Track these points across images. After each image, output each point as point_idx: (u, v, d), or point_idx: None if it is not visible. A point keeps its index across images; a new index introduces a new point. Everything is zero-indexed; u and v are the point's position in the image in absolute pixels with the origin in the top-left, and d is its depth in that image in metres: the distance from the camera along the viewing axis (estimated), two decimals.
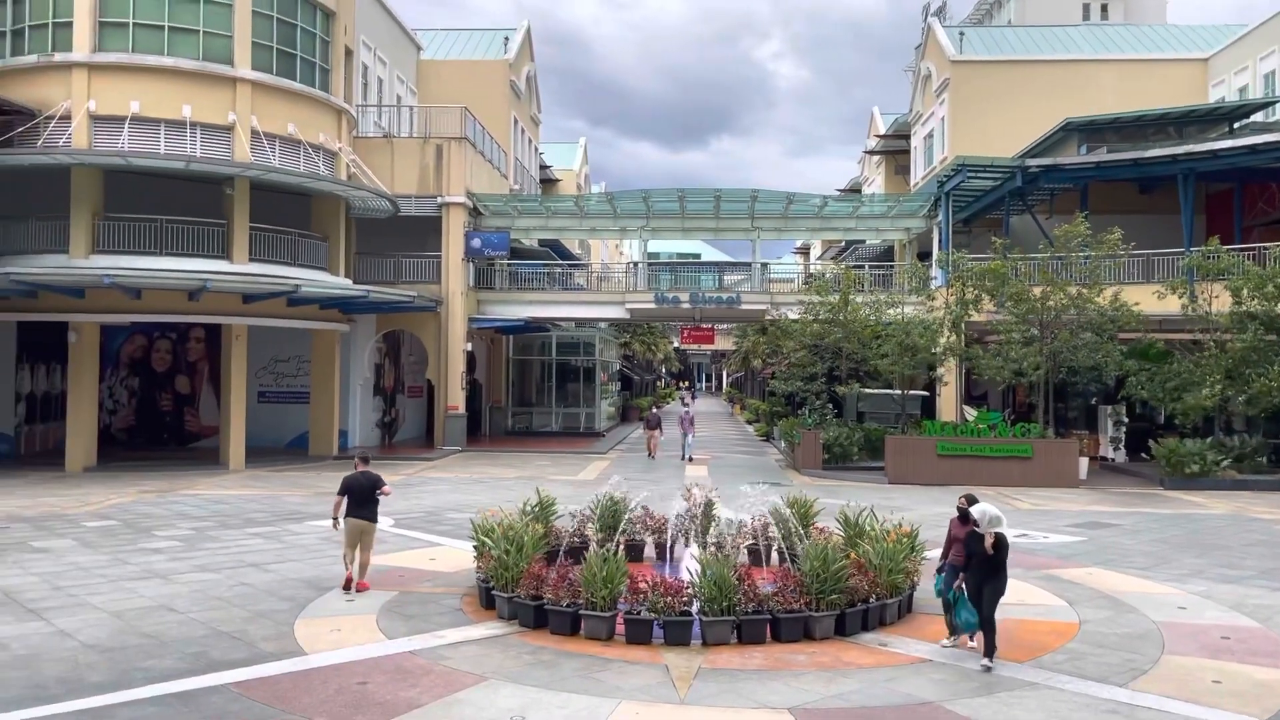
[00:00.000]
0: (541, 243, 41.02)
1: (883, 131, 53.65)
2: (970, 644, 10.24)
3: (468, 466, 28.80)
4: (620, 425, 49.44)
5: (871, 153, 57.16)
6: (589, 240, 52.33)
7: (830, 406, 31.46)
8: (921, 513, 18.73)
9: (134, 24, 25.41)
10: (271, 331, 29.85)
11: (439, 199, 33.28)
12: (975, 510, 9.95)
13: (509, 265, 36.64)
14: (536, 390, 43.73)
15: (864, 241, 43.94)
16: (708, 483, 13.83)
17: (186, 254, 25.62)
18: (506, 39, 45.75)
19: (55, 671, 9.18)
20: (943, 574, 10.54)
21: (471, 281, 34.70)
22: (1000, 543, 9.69)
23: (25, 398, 29.49)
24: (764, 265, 37.49)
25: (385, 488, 12.76)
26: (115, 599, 11.96)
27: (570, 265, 41.53)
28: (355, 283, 30.64)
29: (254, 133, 26.34)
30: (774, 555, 13.21)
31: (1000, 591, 9.81)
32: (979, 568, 9.81)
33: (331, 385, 30.51)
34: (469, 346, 34.25)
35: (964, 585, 9.99)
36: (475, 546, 12.30)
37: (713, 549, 11.84)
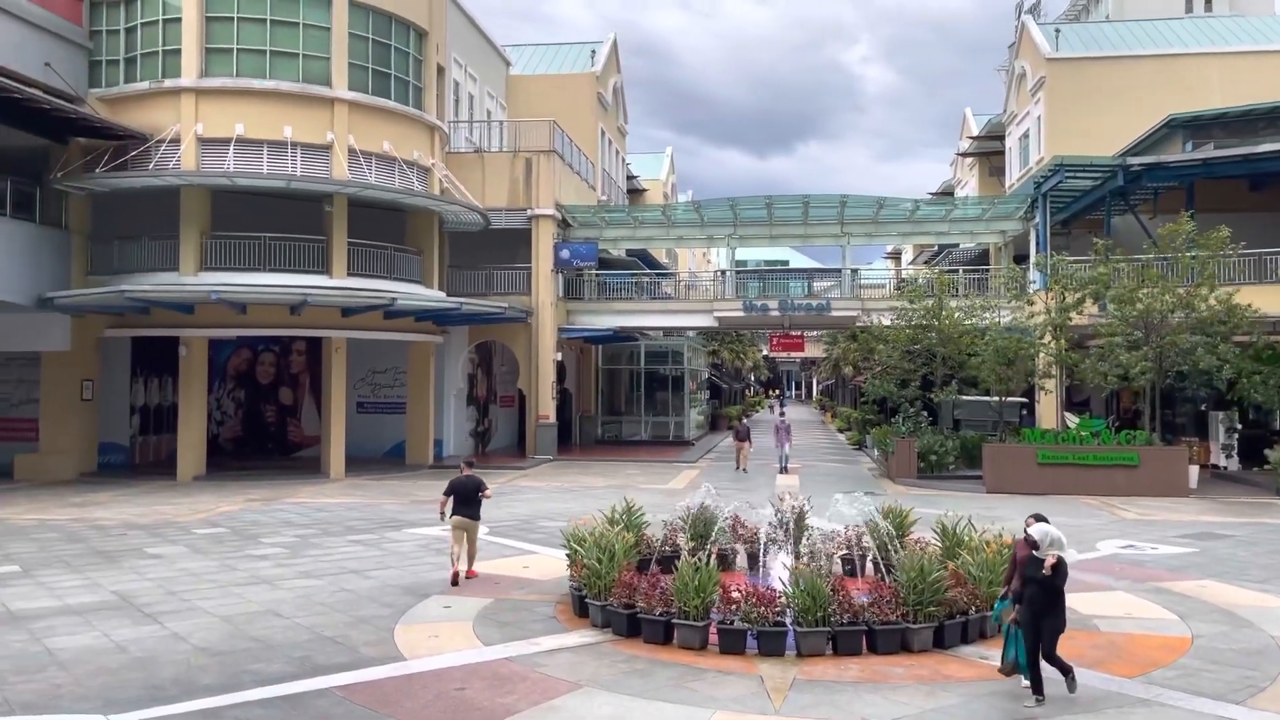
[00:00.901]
0: (629, 252, 41.27)
1: (975, 133, 52.52)
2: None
3: (559, 475, 29.07)
4: (709, 434, 49.32)
5: (964, 155, 55.99)
6: (676, 249, 52.39)
7: (925, 414, 30.86)
8: (1022, 522, 18.17)
9: (238, 49, 26.43)
10: (369, 344, 30.64)
11: (528, 211, 33.76)
12: (1035, 530, 8.96)
13: (597, 275, 36.95)
14: (625, 399, 43.94)
15: (957, 245, 43.01)
16: (799, 492, 13.68)
17: (288, 269, 26.48)
18: (593, 52, 46.20)
19: (170, 673, 9.57)
20: (1005, 600, 9.46)
21: (561, 292, 35.08)
22: (1060, 567, 8.69)
23: (139, 410, 30.85)
24: (854, 271, 37.04)
25: (487, 490, 13.99)
26: (225, 604, 12.41)
27: (658, 274, 41.69)
28: (448, 295, 31.26)
29: (351, 151, 27.12)
30: (869, 566, 13.00)
31: (1061, 625, 8.78)
32: (1036, 597, 8.72)
33: (427, 396, 31.16)
34: (559, 356, 34.62)
35: (1018, 618, 8.94)
36: (568, 555, 12.42)
37: (806, 559, 11.72)
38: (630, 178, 55.59)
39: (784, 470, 30.08)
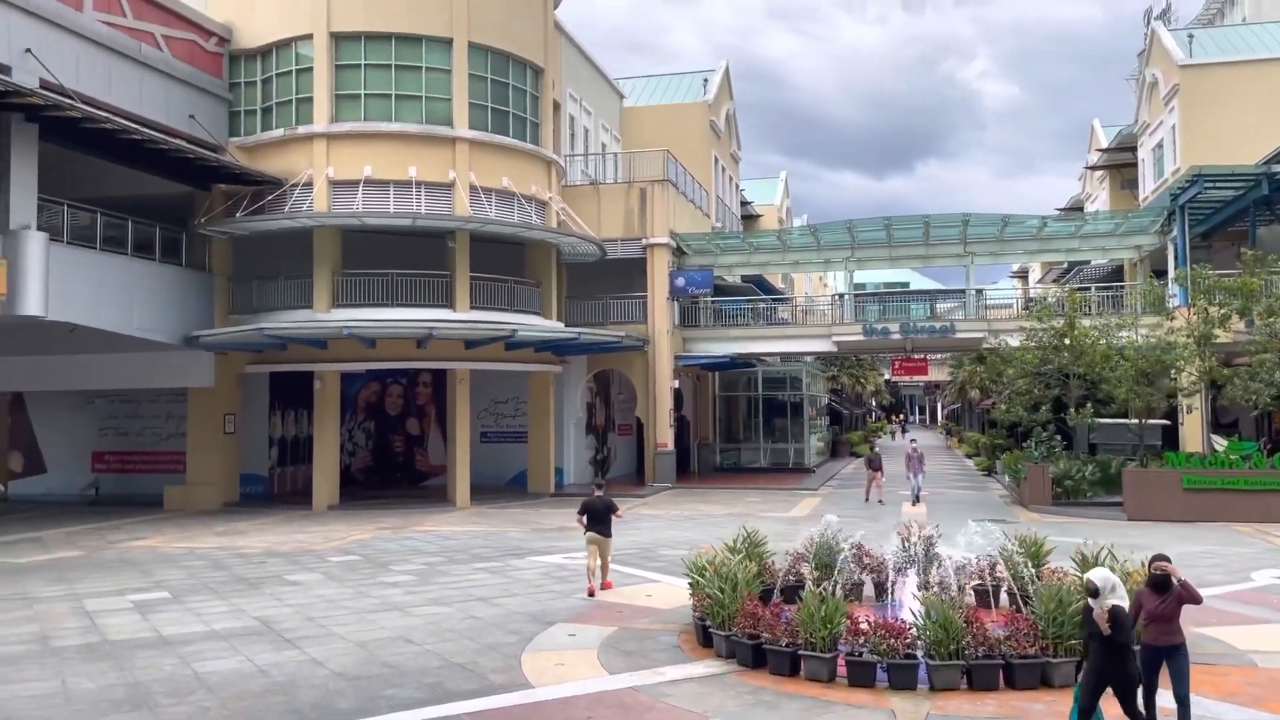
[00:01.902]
0: (744, 278, 41.12)
1: (1105, 145, 50.54)
2: None
3: (678, 503, 29.02)
4: (830, 460, 48.52)
5: (1093, 168, 53.92)
6: (792, 274, 51.98)
7: (1058, 438, 29.63)
8: (1168, 552, 17.18)
9: (365, 95, 27.57)
10: (492, 374, 31.32)
11: (643, 241, 34.04)
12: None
13: (713, 302, 36.93)
14: (744, 426, 43.63)
15: (1088, 262, 41.36)
16: (927, 520, 13.28)
17: (414, 304, 27.34)
18: (705, 80, 46.47)
19: (310, 697, 9.88)
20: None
21: (677, 320, 35.19)
22: (1118, 620, 7.74)
23: (277, 442, 32.24)
24: (979, 291, 35.98)
25: (618, 510, 15.34)
26: (359, 630, 12.77)
27: (774, 300, 41.40)
28: (566, 325, 31.73)
29: (472, 188, 27.90)
30: (1003, 597, 12.51)
31: (1133, 678, 7.82)
32: (1098, 651, 7.86)
33: (547, 425, 31.62)
34: (676, 384, 34.67)
35: (1083, 678, 8.09)
36: (690, 584, 12.34)
37: (936, 589, 11.35)
38: (744, 204, 55.51)
39: (916, 501, 28.15)
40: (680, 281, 34.57)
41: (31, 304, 21.44)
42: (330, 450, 28.63)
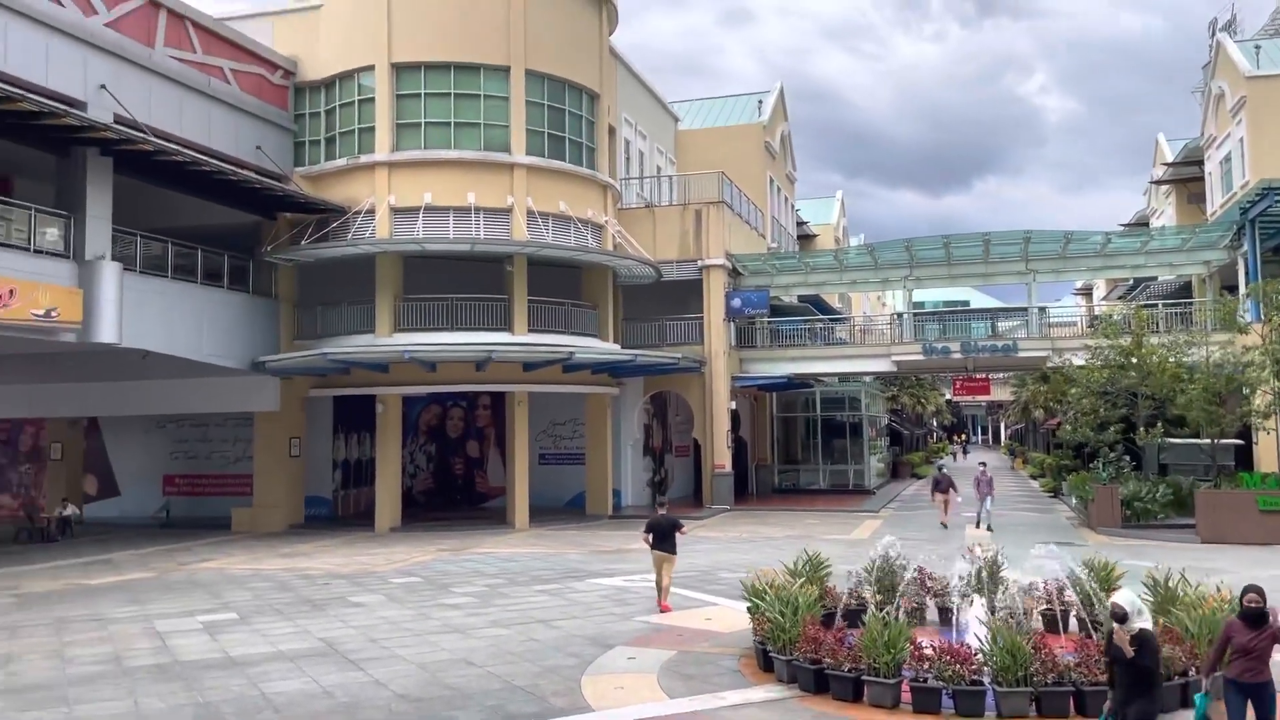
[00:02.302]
0: (801, 299, 40.93)
1: (1170, 159, 49.46)
2: None
3: (736, 525, 28.85)
4: (891, 482, 47.87)
5: (1158, 182, 52.78)
6: (849, 294, 51.59)
7: (1127, 458, 28.90)
8: (1244, 576, 16.62)
9: (425, 123, 28.09)
10: (549, 397, 31.52)
11: (699, 262, 34.08)
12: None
13: (769, 323, 36.78)
14: (802, 447, 43.29)
15: (1154, 278, 40.45)
16: (992, 542, 13.03)
17: (473, 328, 27.69)
18: (760, 102, 46.51)
19: (373, 718, 9.99)
20: (1208, 694, 8.05)
21: (733, 341, 35.11)
22: (1145, 643, 7.44)
23: (341, 464, 32.77)
24: (1041, 309, 35.36)
25: (683, 528, 15.85)
26: (421, 651, 12.89)
27: (831, 319, 41.13)
28: (623, 347, 31.85)
29: (529, 212, 28.22)
30: (1072, 622, 12.23)
31: (1153, 709, 7.52)
32: (1123, 678, 7.56)
33: (604, 446, 31.71)
34: (733, 405, 34.55)
35: (1110, 705, 7.75)
36: (749, 608, 12.26)
37: (1003, 614, 11.13)
38: (800, 224, 55.30)
39: (988, 528, 25.70)
40: (736, 302, 34.52)
41: (106, 331, 22.15)
42: (392, 473, 29.01)
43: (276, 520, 29.24)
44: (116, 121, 22.55)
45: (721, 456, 33.76)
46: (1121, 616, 7.61)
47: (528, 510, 28.90)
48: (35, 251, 21.31)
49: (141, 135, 22.40)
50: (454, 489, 35.44)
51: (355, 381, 28.62)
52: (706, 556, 21.92)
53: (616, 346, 31.43)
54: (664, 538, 15.37)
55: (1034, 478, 49.81)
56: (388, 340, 27.19)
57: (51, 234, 21.86)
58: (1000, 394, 70.17)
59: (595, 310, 30.99)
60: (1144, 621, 7.67)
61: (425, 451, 35.63)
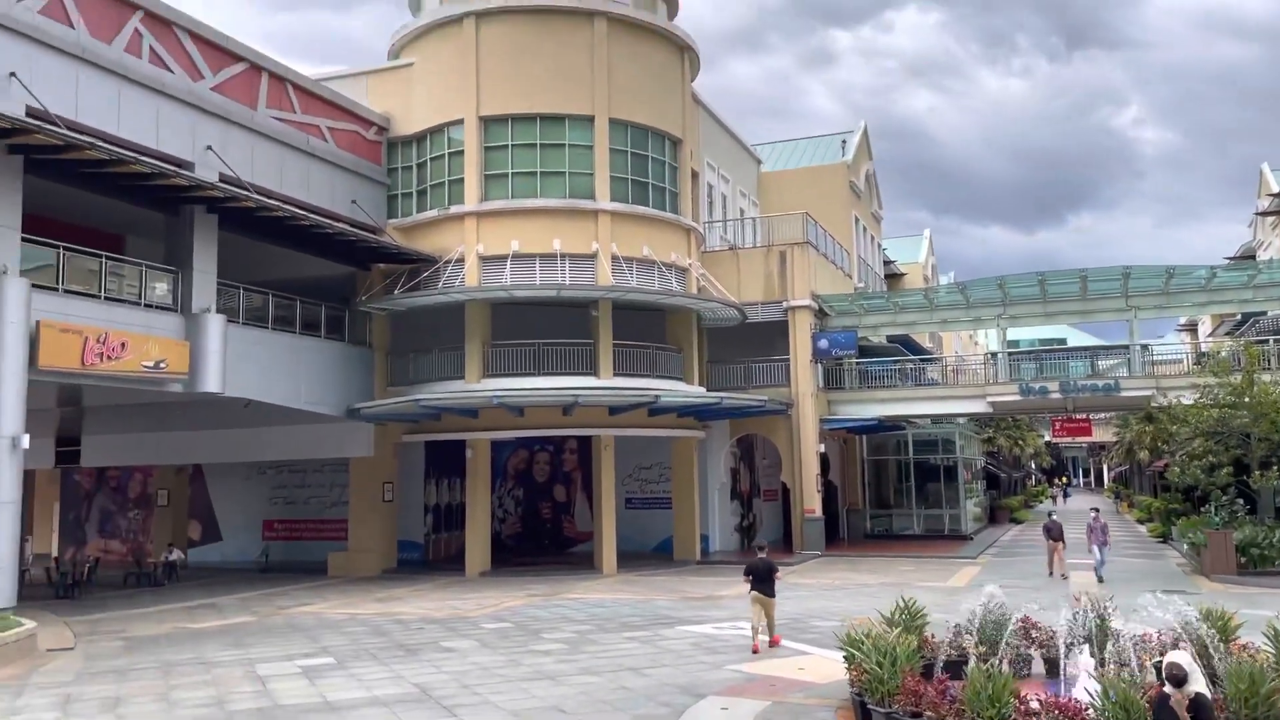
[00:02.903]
0: (890, 339, 40.31)
1: (1276, 189, 47.58)
2: None
3: (828, 571, 28.27)
4: (988, 527, 46.45)
5: (1265, 214, 50.78)
6: (940, 333, 50.61)
7: (1240, 501, 27.52)
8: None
9: (512, 174, 28.70)
10: (635, 440, 31.52)
11: (784, 304, 33.86)
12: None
13: (858, 364, 36.26)
14: (894, 491, 42.35)
15: (1264, 313, 38.72)
16: (1099, 591, 12.48)
17: (559, 372, 27.93)
18: (844, 142, 46.36)
19: None
20: None
21: (820, 382, 34.68)
22: (1201, 708, 6.94)
23: (432, 509, 33.24)
24: (1144, 347, 34.12)
25: (778, 572, 16.20)
26: (513, 698, 12.86)
27: (922, 360, 40.31)
28: (708, 390, 31.73)
29: (613, 257, 28.48)
30: None
31: None
32: None
33: (691, 491, 31.51)
34: (822, 448, 34.04)
35: None
36: (845, 657, 11.93)
37: (1113, 666, 10.61)
38: (887, 263, 54.68)
39: (1098, 578, 24.95)
40: (823, 344, 34.14)
41: (211, 381, 23.00)
42: (482, 517, 29.29)
43: (371, 565, 29.74)
44: (221, 180, 23.58)
45: (811, 501, 33.23)
46: (1180, 679, 7.11)
47: (615, 555, 28.82)
48: (146, 306, 22.32)
49: (245, 193, 23.37)
50: (542, 534, 35.60)
51: (446, 427, 29.09)
52: (798, 604, 21.50)
53: (702, 390, 31.33)
54: (763, 580, 15.75)
55: (1141, 522, 47.83)
56: (477, 386, 27.61)
57: (160, 288, 22.87)
58: (1102, 435, 67.77)
59: (680, 353, 31.00)
60: (1199, 685, 7.16)
61: (513, 496, 35.93)
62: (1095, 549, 25.97)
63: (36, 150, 19.33)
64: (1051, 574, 26.27)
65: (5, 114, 18.18)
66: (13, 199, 19.50)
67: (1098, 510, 28.93)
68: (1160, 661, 7.29)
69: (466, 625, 19.24)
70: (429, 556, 32.58)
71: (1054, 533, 26.98)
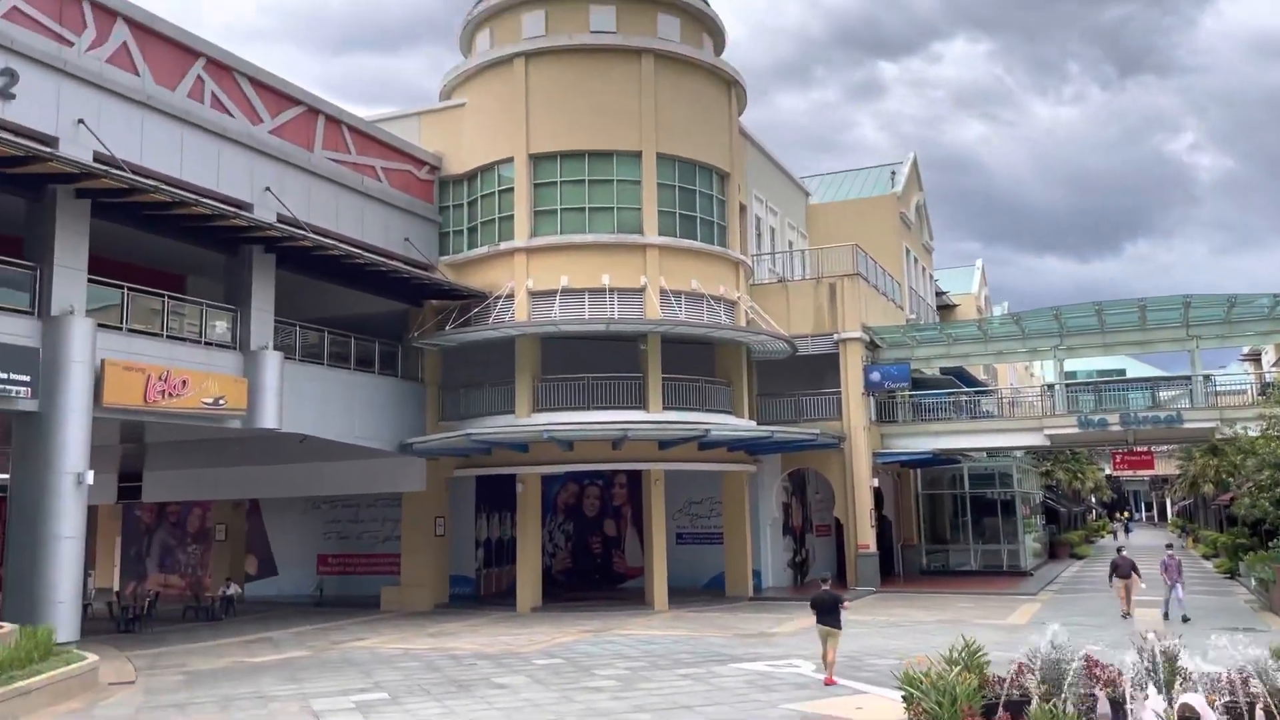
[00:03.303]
0: (943, 371, 39.80)
1: None
2: None
3: (884, 608, 27.79)
4: (1048, 563, 45.38)
5: None
6: (994, 365, 49.87)
7: None
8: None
9: (561, 210, 28.98)
10: (685, 475, 31.38)
11: (835, 336, 33.62)
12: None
13: (910, 396, 35.81)
14: (950, 526, 41.57)
15: None
16: (1164, 628, 12.10)
17: (609, 406, 27.97)
18: (893, 173, 46.16)
19: None
20: None
21: (873, 415, 34.29)
22: None
23: (483, 544, 33.33)
24: (1206, 377, 33.28)
25: (846, 602, 16.38)
26: None
27: (977, 392, 39.70)
28: (758, 424, 31.54)
29: (662, 291, 28.56)
30: (1259, 715, 11.14)
31: None
32: None
33: (743, 526, 31.25)
34: (875, 482, 33.59)
35: None
36: (904, 697, 11.68)
37: (1182, 707, 10.25)
38: (939, 294, 54.13)
39: (1183, 618, 23.76)
40: (875, 376, 33.80)
41: (268, 417, 23.41)
42: (533, 552, 29.29)
43: (423, 599, 29.85)
44: (279, 220, 24.14)
45: (865, 536, 32.75)
46: None
47: (666, 591, 28.60)
48: (206, 344, 22.84)
49: (302, 233, 23.88)
50: (592, 569, 35.49)
51: (496, 461, 29.23)
52: (854, 641, 21.11)
53: (752, 423, 31.15)
54: (827, 612, 15.90)
55: (1207, 557, 46.45)
56: (527, 420, 27.74)
57: (220, 327, 23.39)
58: (1164, 468, 66.09)
59: (729, 387, 30.89)
60: None
61: (563, 531, 35.91)
62: (1172, 586, 24.94)
63: (103, 194, 19.97)
64: (1127, 613, 24.93)
65: (73, 159, 18.84)
66: (80, 242, 20.15)
67: (1171, 546, 27.90)
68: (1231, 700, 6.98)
69: (518, 661, 19.20)
70: (480, 591, 32.62)
71: (1122, 569, 25.62)
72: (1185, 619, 23.46)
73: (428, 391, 29.99)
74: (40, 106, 19.51)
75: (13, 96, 18.97)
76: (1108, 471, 67.25)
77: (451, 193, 30.88)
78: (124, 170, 20.04)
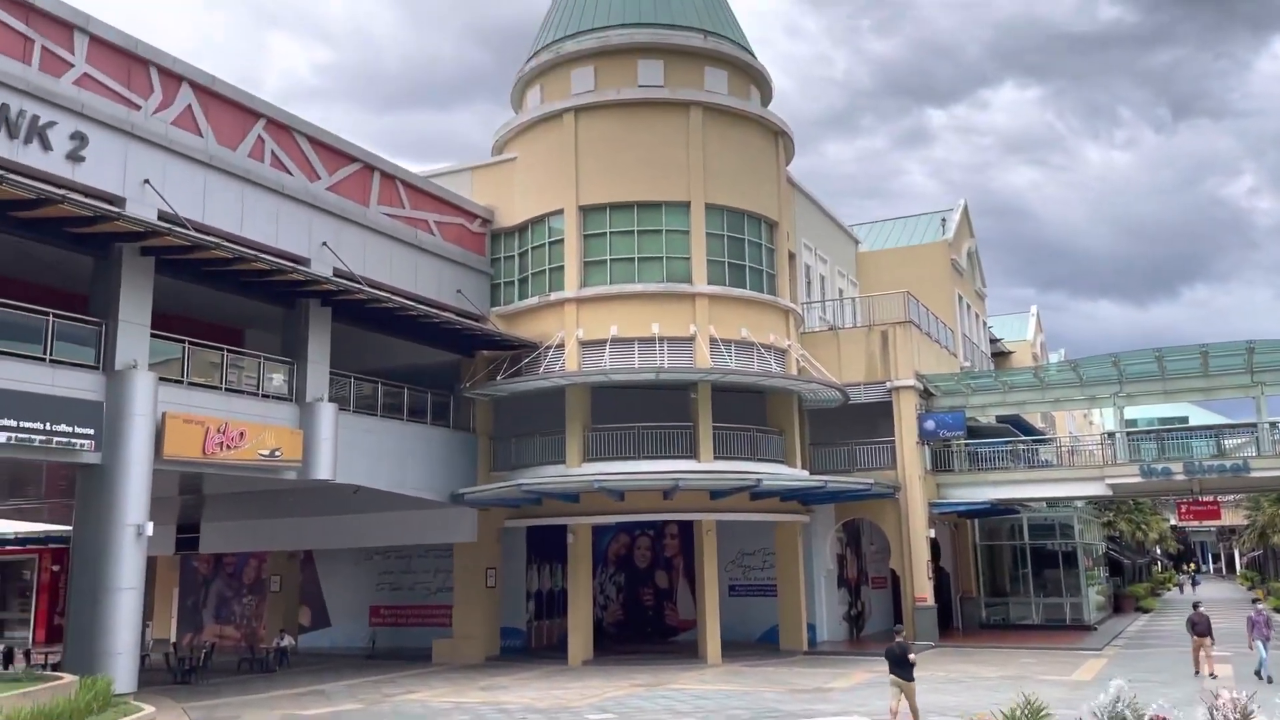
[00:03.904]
0: (999, 419, 39.09)
1: None
2: None
3: (943, 663, 27.06)
4: (1113, 617, 43.98)
5: None
6: (1052, 413, 48.88)
7: None
8: None
9: (610, 260, 29.21)
10: (737, 525, 31.06)
11: (887, 384, 33.24)
12: None
13: (966, 445, 35.16)
14: (1010, 578, 40.50)
15: None
16: (1236, 685, 11.60)
17: (659, 456, 27.85)
18: (944, 220, 45.91)
19: None
20: None
21: (928, 465, 33.72)
22: None
23: (534, 595, 33.18)
24: (1272, 424, 32.25)
25: (912, 654, 16.43)
26: None
27: (1034, 440, 38.88)
28: (811, 473, 31.18)
29: (711, 340, 28.53)
30: None
31: None
32: None
33: (797, 577, 30.76)
34: (932, 533, 32.94)
35: None
36: None
37: None
38: (994, 341, 53.41)
39: (1267, 679, 21.96)
40: (930, 425, 33.27)
41: (323, 469, 23.70)
42: (584, 604, 29.08)
43: (474, 651, 29.73)
44: (335, 274, 24.63)
45: (922, 588, 32.03)
46: None
47: (719, 644, 28.15)
48: (263, 396, 23.25)
49: (357, 286, 24.33)
50: (644, 621, 35.12)
51: (547, 511, 29.19)
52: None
53: (805, 473, 30.80)
54: (899, 664, 16.11)
55: (1279, 610, 44.60)
56: (578, 470, 27.71)
57: (277, 379, 23.81)
58: (1232, 518, 64.07)
59: (781, 436, 30.62)
60: None
61: (614, 582, 35.65)
62: (1258, 645, 23.38)
63: (166, 251, 20.58)
64: (1198, 672, 23.35)
65: (139, 218, 19.46)
66: (144, 297, 20.73)
67: (1259, 603, 26.61)
68: None
69: (570, 716, 18.97)
70: (531, 644, 32.41)
71: (1200, 627, 23.72)
72: (1269, 679, 22.24)
73: (479, 441, 30.14)
74: (108, 168, 20.21)
75: (82, 159, 19.69)
76: (1173, 522, 65.36)
77: (503, 245, 31.30)
78: (187, 228, 20.64)
